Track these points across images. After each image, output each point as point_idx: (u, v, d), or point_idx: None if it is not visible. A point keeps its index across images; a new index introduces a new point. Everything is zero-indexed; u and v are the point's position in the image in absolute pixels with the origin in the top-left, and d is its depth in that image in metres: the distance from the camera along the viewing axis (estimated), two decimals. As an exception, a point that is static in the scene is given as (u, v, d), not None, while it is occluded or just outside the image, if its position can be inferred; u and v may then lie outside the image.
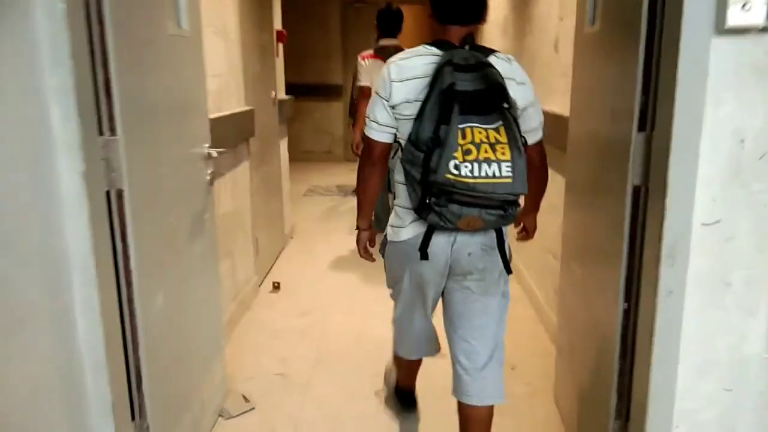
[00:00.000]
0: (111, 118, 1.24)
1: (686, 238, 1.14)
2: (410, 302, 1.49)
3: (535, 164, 1.37)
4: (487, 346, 1.42)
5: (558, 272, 2.07)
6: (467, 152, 1.19)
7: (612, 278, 1.36)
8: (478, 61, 1.24)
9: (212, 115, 2.02)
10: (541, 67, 2.82)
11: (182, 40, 1.64)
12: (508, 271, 1.40)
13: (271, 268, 3.38)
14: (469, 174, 1.19)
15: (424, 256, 1.35)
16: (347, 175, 6.20)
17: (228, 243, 2.48)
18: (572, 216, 1.91)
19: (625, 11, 1.31)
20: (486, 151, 1.19)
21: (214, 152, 1.81)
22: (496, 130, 1.22)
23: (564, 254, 1.98)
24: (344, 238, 3.84)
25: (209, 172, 1.81)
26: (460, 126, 1.20)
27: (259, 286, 3.08)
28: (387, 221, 1.47)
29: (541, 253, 2.69)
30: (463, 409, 1.45)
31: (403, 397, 1.85)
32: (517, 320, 2.49)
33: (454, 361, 1.46)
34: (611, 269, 1.37)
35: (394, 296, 1.55)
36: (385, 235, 1.48)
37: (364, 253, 1.58)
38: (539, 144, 1.41)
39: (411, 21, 7.56)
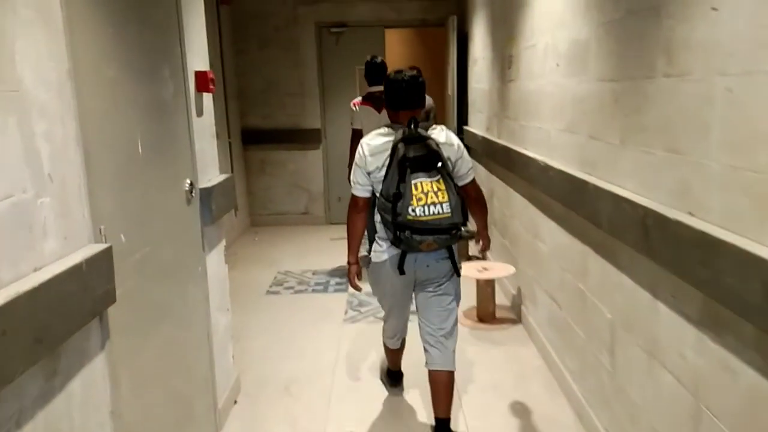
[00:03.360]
0: None
1: None
2: (391, 304, 2.62)
3: (472, 197, 2.50)
4: (444, 330, 2.49)
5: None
6: (419, 199, 2.21)
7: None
8: (420, 135, 2.27)
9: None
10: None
11: None
12: (458, 274, 2.48)
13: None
14: (422, 214, 2.21)
15: (402, 271, 2.39)
16: (331, 250, 5.88)
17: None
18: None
19: None
20: (431, 197, 2.22)
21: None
22: (437, 181, 2.24)
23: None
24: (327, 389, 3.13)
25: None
26: (413, 181, 2.22)
27: None
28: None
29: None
30: (432, 375, 2.52)
31: (391, 375, 3.09)
32: None
33: (423, 341, 2.54)
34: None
35: (380, 302, 2.69)
36: (369, 261, 2.52)
37: (354, 283, 2.59)
38: (472, 182, 2.49)
39: (394, 42, 7.66)
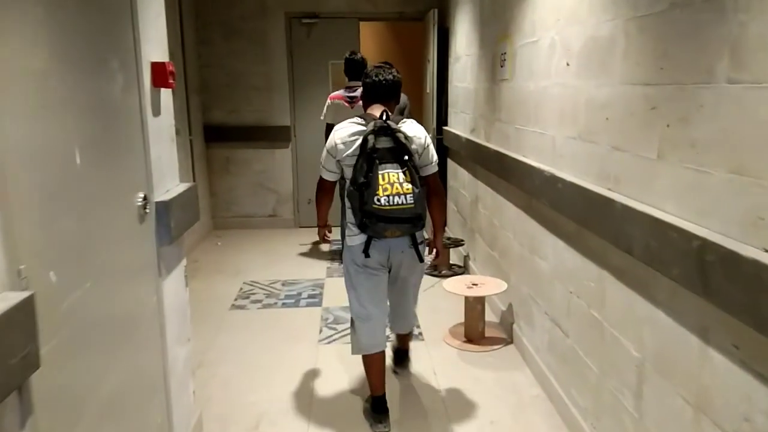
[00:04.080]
0: None
1: None
2: (364, 290, 2.65)
3: (431, 188, 2.61)
4: (409, 303, 2.86)
5: None
6: (385, 189, 2.39)
7: None
8: (390, 128, 2.43)
9: None
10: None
11: None
12: (420, 260, 2.64)
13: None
14: (386, 203, 2.39)
15: (367, 255, 2.54)
16: (301, 257, 5.49)
17: None
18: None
19: None
20: (396, 188, 2.39)
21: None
22: (403, 172, 2.42)
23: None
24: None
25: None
26: (380, 172, 2.39)
27: None
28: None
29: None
30: (397, 336, 3.16)
31: (375, 405, 2.75)
32: None
33: (391, 311, 2.87)
34: None
35: (352, 293, 2.70)
36: (342, 245, 2.72)
37: (323, 238, 2.88)
38: (433, 175, 2.61)
39: (368, 35, 7.27)
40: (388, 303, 2.78)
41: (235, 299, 4.35)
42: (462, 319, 3.67)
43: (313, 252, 5.58)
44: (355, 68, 4.58)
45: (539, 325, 3.08)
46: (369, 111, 2.60)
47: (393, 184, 2.37)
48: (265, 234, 6.24)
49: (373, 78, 2.60)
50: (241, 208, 6.47)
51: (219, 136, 6.25)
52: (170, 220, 2.13)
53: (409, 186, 2.39)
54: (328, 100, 4.63)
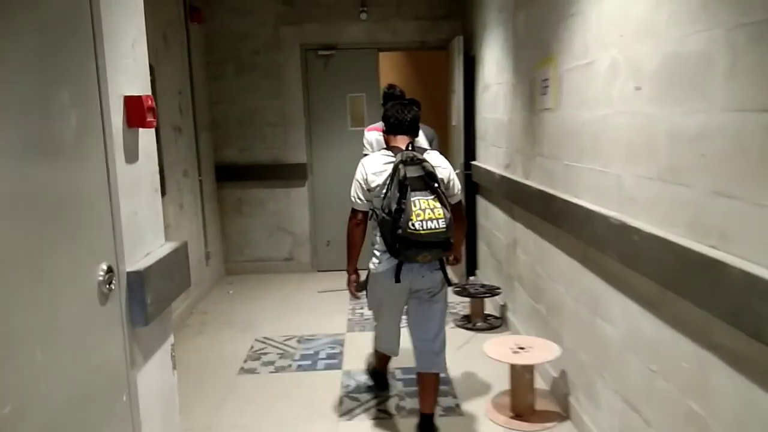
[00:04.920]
0: None
1: None
2: (387, 314, 2.86)
3: (457, 217, 2.67)
4: (433, 334, 2.75)
5: None
6: (418, 215, 2.47)
7: None
8: (417, 158, 2.58)
9: None
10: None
11: None
12: (449, 283, 2.77)
13: None
14: (420, 228, 2.46)
15: (398, 280, 2.63)
16: (320, 306, 5.04)
17: None
18: None
19: None
20: (428, 213, 2.48)
21: None
22: (433, 199, 2.52)
23: None
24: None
25: None
26: (413, 199, 2.49)
27: None
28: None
29: None
30: (420, 377, 2.79)
31: (376, 375, 3.35)
32: None
33: (414, 345, 2.79)
34: None
35: (375, 313, 2.93)
36: (368, 271, 2.79)
37: (352, 290, 2.90)
38: (459, 203, 2.79)
39: (387, 66, 6.90)
40: (413, 333, 2.80)
41: (245, 360, 3.85)
42: (505, 386, 3.13)
43: (333, 300, 5.09)
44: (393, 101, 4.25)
45: (606, 404, 2.53)
46: (393, 144, 2.76)
47: (425, 210, 2.47)
48: (280, 279, 5.78)
49: (397, 116, 2.77)
50: (255, 251, 6.03)
51: (231, 175, 5.86)
52: (146, 295, 1.66)
53: (441, 211, 2.48)
54: (369, 133, 4.09)
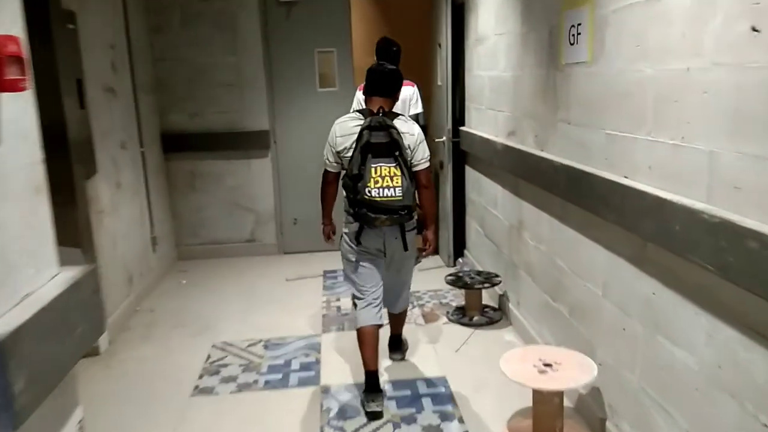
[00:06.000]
0: None
1: None
2: (362, 273, 2.83)
3: (422, 183, 2.75)
4: (403, 285, 3.01)
5: None
6: (376, 182, 2.58)
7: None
8: (385, 124, 2.62)
9: None
10: None
11: None
12: (405, 248, 2.81)
13: None
14: (377, 195, 2.58)
15: (359, 242, 2.76)
16: (289, 298, 4.39)
17: None
18: None
19: None
20: (387, 181, 2.58)
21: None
22: (394, 167, 2.59)
23: None
24: None
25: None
26: (373, 165, 2.58)
27: None
28: None
29: None
30: (391, 316, 3.15)
31: (368, 382, 2.82)
32: None
33: (388, 293, 2.95)
34: None
35: (350, 276, 2.90)
36: (342, 234, 2.88)
37: (328, 239, 3.01)
38: (425, 170, 2.76)
39: (357, 17, 6.11)
40: (383, 286, 2.88)
41: (201, 376, 3.17)
42: (523, 402, 2.58)
43: (304, 289, 4.43)
44: (389, 58, 3.71)
45: (673, 447, 1.97)
46: (368, 105, 2.75)
47: (384, 177, 2.58)
48: (242, 264, 5.07)
49: (373, 77, 2.75)
50: (211, 232, 5.28)
51: (180, 145, 5.06)
52: (12, 379, 0.97)
53: (399, 179, 2.59)
54: (359, 92, 3.80)
